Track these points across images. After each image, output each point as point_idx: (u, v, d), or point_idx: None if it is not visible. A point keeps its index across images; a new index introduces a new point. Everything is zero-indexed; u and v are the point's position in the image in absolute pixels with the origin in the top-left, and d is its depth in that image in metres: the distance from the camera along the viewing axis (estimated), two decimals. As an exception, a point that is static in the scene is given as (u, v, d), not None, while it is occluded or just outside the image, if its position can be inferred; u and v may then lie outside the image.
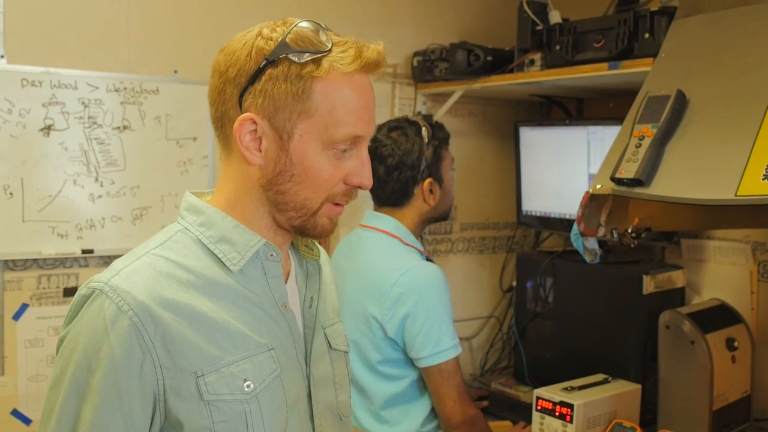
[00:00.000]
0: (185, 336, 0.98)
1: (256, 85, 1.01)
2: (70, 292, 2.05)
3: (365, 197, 2.19)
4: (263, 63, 1.01)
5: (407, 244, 2.01)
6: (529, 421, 1.94)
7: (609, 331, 2.19)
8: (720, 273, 2.21)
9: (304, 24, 1.03)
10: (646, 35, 1.85)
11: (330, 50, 1.01)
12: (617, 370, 2.02)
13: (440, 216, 2.12)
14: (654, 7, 1.88)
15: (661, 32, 1.80)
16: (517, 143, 2.61)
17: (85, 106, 2.01)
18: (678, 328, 1.89)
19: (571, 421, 1.78)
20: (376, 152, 1.98)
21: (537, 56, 2.18)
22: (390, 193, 2.02)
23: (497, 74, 2.28)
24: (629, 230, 1.70)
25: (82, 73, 2.00)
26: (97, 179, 2.04)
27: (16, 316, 1.99)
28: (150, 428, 0.98)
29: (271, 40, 1.01)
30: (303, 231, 1.09)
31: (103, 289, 0.97)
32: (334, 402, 1.17)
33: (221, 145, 1.09)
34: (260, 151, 1.04)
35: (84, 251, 2.04)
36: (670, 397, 1.92)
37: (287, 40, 1.01)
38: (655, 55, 1.75)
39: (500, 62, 2.30)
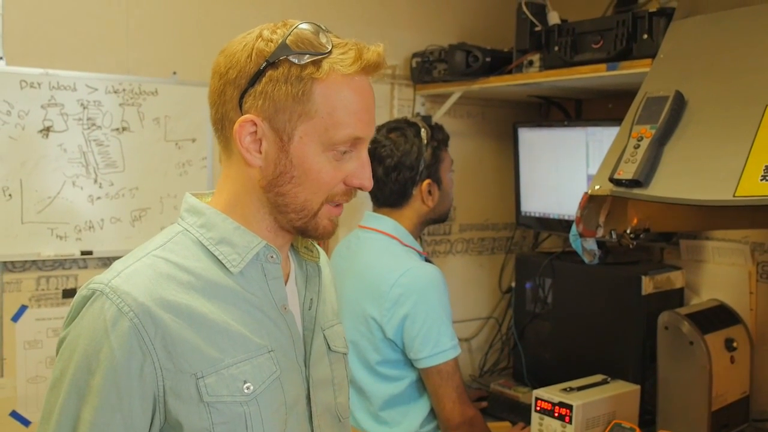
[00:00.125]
0: (185, 337, 0.98)
1: (256, 87, 1.02)
2: (69, 293, 2.05)
3: (364, 198, 2.19)
4: (263, 65, 1.01)
5: (406, 245, 2.02)
6: (528, 422, 1.94)
7: (608, 332, 2.19)
8: (719, 274, 2.22)
9: (305, 26, 1.03)
10: (645, 36, 1.86)
11: (330, 52, 1.01)
12: (616, 371, 2.02)
13: (439, 217, 2.12)
14: (652, 8, 1.88)
15: (660, 33, 1.80)
16: (516, 144, 2.61)
17: (84, 108, 2.01)
18: (677, 328, 1.89)
19: (570, 422, 1.79)
20: (375, 153, 1.98)
21: (536, 57, 2.18)
22: (388, 194, 2.02)
23: (496, 75, 2.28)
24: (628, 231, 1.70)
25: (80, 74, 2.00)
26: (96, 181, 2.04)
27: (15, 318, 1.99)
28: (150, 429, 0.98)
29: (272, 41, 1.02)
30: (304, 232, 1.09)
31: (104, 290, 0.97)
32: (333, 404, 1.17)
33: (221, 146, 1.09)
34: (260, 152, 1.04)
35: (83, 253, 2.04)
36: (669, 398, 1.92)
37: (287, 41, 1.01)
38: (653, 56, 1.75)
39: (499, 63, 2.30)
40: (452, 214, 2.51)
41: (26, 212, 1.96)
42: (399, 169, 1.99)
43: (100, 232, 2.06)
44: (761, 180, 1.30)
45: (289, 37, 1.01)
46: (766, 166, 1.31)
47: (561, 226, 2.46)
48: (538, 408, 1.87)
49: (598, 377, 1.98)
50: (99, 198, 2.05)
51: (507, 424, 2.23)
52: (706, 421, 1.85)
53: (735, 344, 1.94)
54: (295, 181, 1.04)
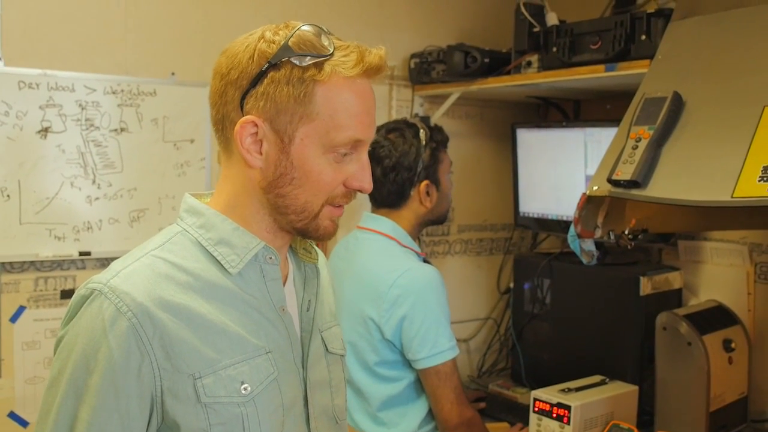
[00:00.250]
0: (183, 338, 0.98)
1: (257, 88, 1.02)
2: (67, 294, 2.05)
3: (363, 199, 2.19)
4: (265, 66, 1.01)
5: (404, 246, 2.02)
6: (526, 423, 1.94)
7: (606, 333, 2.20)
8: (717, 274, 2.22)
9: (307, 27, 1.03)
10: (643, 37, 1.86)
11: (332, 54, 1.02)
12: (614, 372, 2.03)
13: (437, 219, 2.12)
14: (651, 9, 1.88)
15: (658, 34, 1.80)
16: (515, 145, 2.62)
17: (83, 109, 2.01)
18: (675, 329, 1.89)
19: (568, 423, 1.79)
20: (373, 153, 1.98)
21: (534, 58, 2.18)
22: (387, 194, 2.02)
23: (494, 76, 2.29)
24: (626, 232, 1.70)
25: (79, 75, 2.00)
26: (94, 181, 2.04)
27: (13, 319, 1.99)
28: (147, 430, 0.98)
29: (274, 43, 1.02)
30: (305, 234, 1.09)
31: (102, 290, 0.97)
32: (330, 405, 1.17)
33: (222, 147, 1.09)
34: (261, 153, 1.04)
35: (81, 253, 2.04)
36: (667, 399, 1.92)
37: (290, 43, 1.01)
38: (651, 57, 1.75)
39: (497, 64, 2.30)
40: (451, 215, 2.51)
41: (24, 213, 1.96)
42: (397, 170, 1.99)
43: (99, 232, 2.06)
44: (759, 181, 1.30)
45: (292, 39, 1.01)
46: (764, 167, 1.31)
47: (559, 226, 2.47)
48: (536, 409, 1.87)
49: (597, 378, 1.98)
50: (97, 199, 2.05)
51: (505, 424, 2.23)
52: (704, 422, 1.85)
53: (733, 345, 1.94)
54: (295, 182, 1.04)
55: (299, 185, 1.04)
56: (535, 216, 2.58)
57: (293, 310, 1.13)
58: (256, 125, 1.02)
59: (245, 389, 1.01)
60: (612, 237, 1.69)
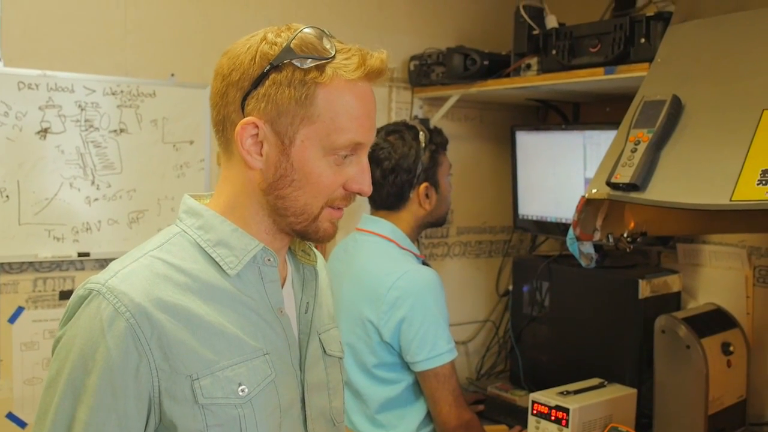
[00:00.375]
0: (181, 339, 0.98)
1: (259, 90, 1.02)
2: (65, 295, 2.04)
3: (362, 201, 2.19)
4: (267, 68, 1.01)
5: (403, 248, 2.02)
6: (525, 426, 1.94)
7: (605, 336, 2.20)
8: (716, 277, 2.22)
9: (309, 30, 1.03)
10: (642, 40, 1.86)
11: (334, 57, 1.02)
12: (613, 375, 2.03)
13: (436, 221, 2.12)
14: (650, 12, 1.89)
15: (657, 37, 1.80)
16: (514, 147, 2.62)
17: (82, 110, 2.01)
18: (673, 332, 1.89)
19: (566, 426, 1.79)
20: (372, 155, 1.98)
21: (533, 61, 2.18)
22: (386, 196, 2.02)
23: (494, 78, 2.29)
24: (625, 235, 1.70)
25: (78, 76, 2.00)
26: (93, 182, 2.04)
27: (12, 319, 1.99)
28: (145, 430, 0.98)
29: (276, 45, 1.02)
30: (305, 236, 1.09)
31: (101, 290, 0.97)
32: (328, 407, 1.17)
33: (222, 148, 1.09)
34: (261, 155, 1.04)
35: (80, 254, 2.04)
36: (666, 402, 1.92)
37: (292, 45, 1.01)
38: (651, 60, 1.75)
39: (497, 67, 2.30)
40: (450, 217, 2.51)
41: (23, 214, 1.96)
42: (396, 172, 1.99)
43: (98, 233, 2.06)
44: (758, 184, 1.30)
45: (294, 41, 1.01)
46: (762, 170, 1.31)
47: (558, 229, 2.47)
48: (534, 411, 1.87)
49: (595, 381, 1.98)
50: (96, 199, 2.05)
51: (504, 427, 2.23)
52: (702, 425, 1.85)
53: (732, 348, 1.94)
54: (295, 184, 1.04)
55: (299, 187, 1.04)
56: (534, 218, 2.58)
57: (291, 312, 1.13)
58: (257, 126, 1.02)
59: (242, 391, 1.01)
60: (611, 240, 1.69)
